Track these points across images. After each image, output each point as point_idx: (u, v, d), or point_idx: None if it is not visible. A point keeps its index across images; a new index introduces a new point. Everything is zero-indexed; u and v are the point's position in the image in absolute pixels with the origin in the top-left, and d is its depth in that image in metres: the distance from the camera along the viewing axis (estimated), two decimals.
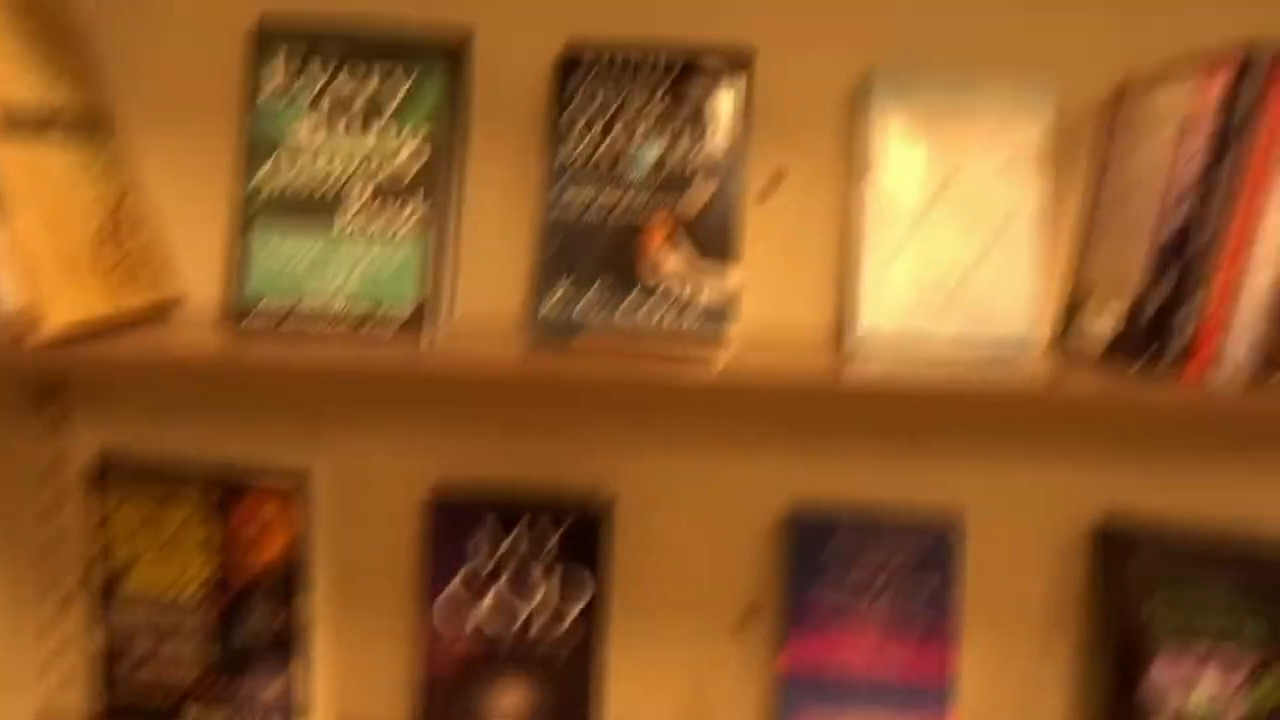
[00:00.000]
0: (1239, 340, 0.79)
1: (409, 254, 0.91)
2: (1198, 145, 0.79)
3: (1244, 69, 0.77)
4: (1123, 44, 0.95)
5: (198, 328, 0.92)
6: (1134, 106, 0.91)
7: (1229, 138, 0.78)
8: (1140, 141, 0.88)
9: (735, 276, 0.89)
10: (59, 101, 0.89)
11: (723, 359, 0.83)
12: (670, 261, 0.89)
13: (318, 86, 0.93)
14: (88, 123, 0.93)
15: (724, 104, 0.91)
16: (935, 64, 0.96)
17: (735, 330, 0.88)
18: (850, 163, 0.98)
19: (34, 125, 0.84)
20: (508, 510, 1.01)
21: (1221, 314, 0.79)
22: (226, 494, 1.01)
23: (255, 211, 0.91)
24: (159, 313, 0.96)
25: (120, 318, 0.89)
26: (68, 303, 0.82)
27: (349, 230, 0.91)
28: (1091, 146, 0.97)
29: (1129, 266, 0.86)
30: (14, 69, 0.84)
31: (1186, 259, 0.80)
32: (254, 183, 0.92)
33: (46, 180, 0.84)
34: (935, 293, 0.92)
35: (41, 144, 0.85)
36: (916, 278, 0.92)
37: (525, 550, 1.01)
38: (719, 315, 0.88)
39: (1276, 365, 0.79)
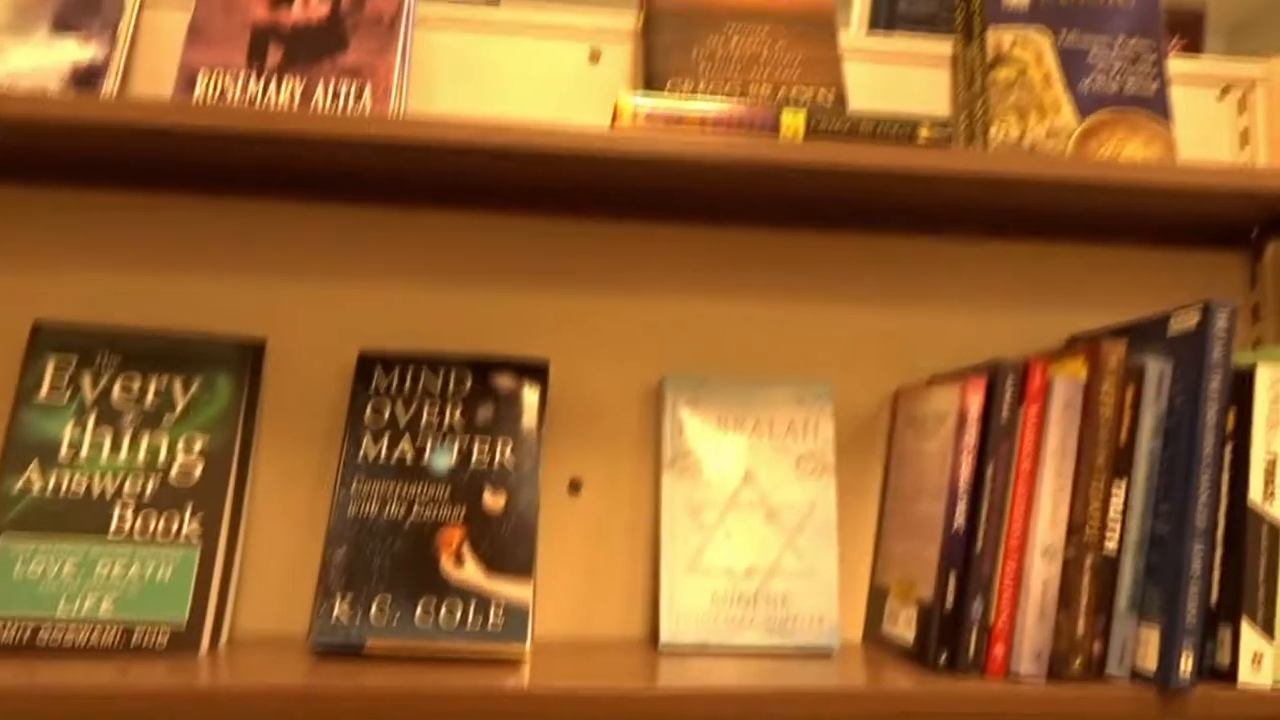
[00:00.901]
0: (1028, 639, 0.80)
1: (180, 569, 0.83)
2: (967, 449, 0.83)
3: (994, 382, 0.83)
4: (896, 356, 1.03)
5: None
6: (909, 412, 0.97)
7: (992, 445, 0.82)
8: (919, 444, 0.93)
9: (528, 587, 0.85)
10: None
11: (522, 671, 0.78)
12: (464, 569, 0.85)
13: (91, 393, 0.88)
14: None
15: (519, 412, 0.92)
16: (722, 372, 1.01)
17: (532, 642, 0.83)
18: (647, 467, 0.99)
19: None
20: None
21: (1008, 614, 0.81)
22: None
23: (5, 524, 0.83)
24: None
25: None
26: None
27: (115, 541, 0.83)
28: (874, 449, 1.01)
29: (920, 567, 0.87)
30: None
31: (969, 561, 0.82)
32: (13, 488, 0.84)
33: None
34: (736, 599, 0.90)
35: None
36: (716, 584, 0.91)
37: None
38: (516, 626, 0.83)
39: (1068, 661, 0.80)
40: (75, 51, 0.90)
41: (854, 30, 1.19)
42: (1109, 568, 0.81)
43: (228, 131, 0.80)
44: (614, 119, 0.86)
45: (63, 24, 0.91)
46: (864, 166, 0.81)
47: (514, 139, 0.80)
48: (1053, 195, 0.91)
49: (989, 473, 0.82)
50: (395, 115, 0.81)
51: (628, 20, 1.04)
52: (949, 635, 0.82)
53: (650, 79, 0.96)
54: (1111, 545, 0.81)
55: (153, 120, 0.79)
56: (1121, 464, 0.81)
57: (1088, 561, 0.80)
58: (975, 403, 0.84)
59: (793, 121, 0.84)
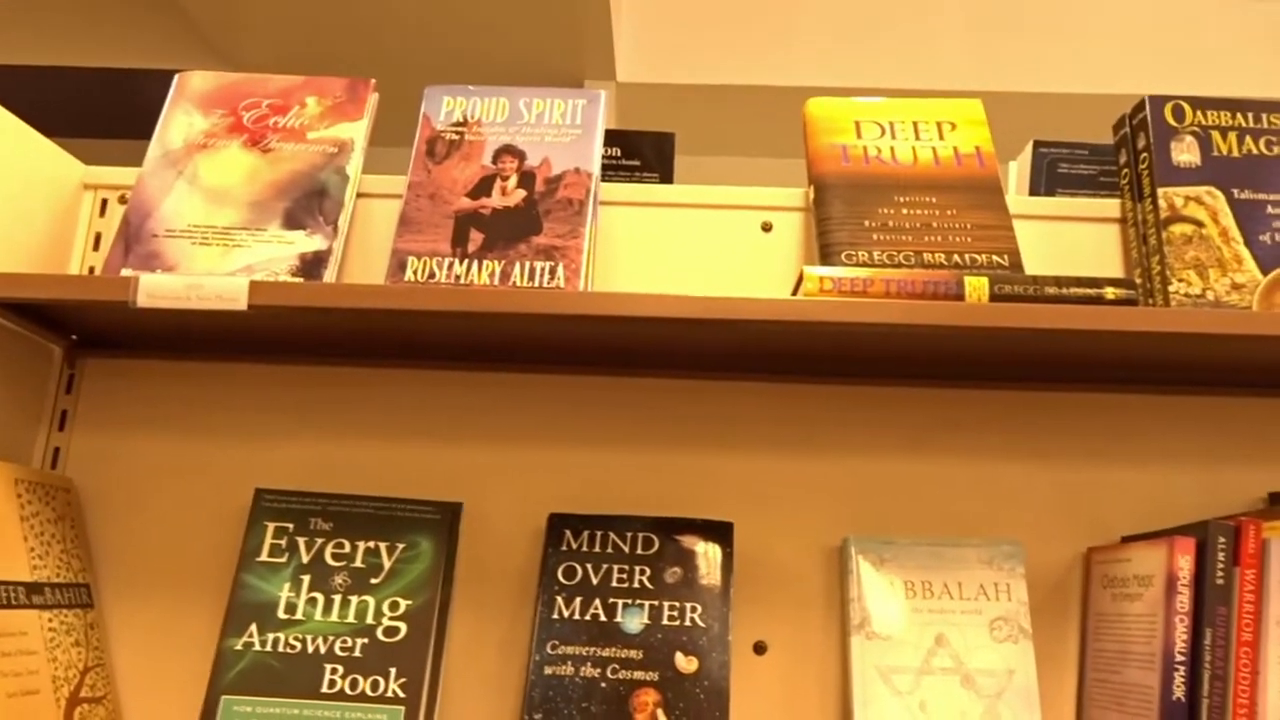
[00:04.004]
0: None
1: None
2: (1180, 614, 0.80)
3: (1204, 543, 0.80)
4: (1086, 515, 1.00)
5: None
6: (1105, 573, 0.94)
7: (1208, 610, 0.79)
8: (1119, 607, 0.90)
9: None
10: (44, 574, 0.88)
11: None
12: None
13: (306, 556, 0.93)
14: (70, 594, 0.92)
15: (706, 573, 0.93)
16: (907, 533, 1.00)
17: None
18: (833, 629, 0.98)
19: (17, 595, 0.83)
20: None
21: None
22: None
23: (226, 683, 0.88)
24: None
25: None
26: None
27: (326, 700, 0.87)
28: (1066, 612, 0.98)
29: None
30: (5, 548, 0.85)
31: None
32: (228, 652, 0.89)
33: (16, 649, 0.81)
34: None
35: (19, 612, 0.83)
36: None
37: None
38: None
39: None
40: (303, 243, 1.00)
41: (1013, 194, 1.22)
42: None
43: (442, 311, 0.87)
44: (797, 287, 0.89)
45: (292, 220, 1.01)
46: (1055, 328, 0.82)
47: (708, 310, 0.85)
48: (1243, 350, 0.89)
49: (1207, 640, 0.79)
50: (592, 291, 0.86)
51: (797, 194, 1.10)
52: None
53: (825, 250, 1.00)
54: None
55: (375, 303, 0.86)
56: None
57: None
58: (1186, 565, 0.81)
59: (977, 286, 0.86)
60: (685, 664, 0.88)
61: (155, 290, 0.85)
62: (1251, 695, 0.77)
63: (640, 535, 0.95)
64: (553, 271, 0.98)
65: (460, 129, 1.06)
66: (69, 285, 0.86)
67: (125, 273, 0.96)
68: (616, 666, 0.88)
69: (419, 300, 0.87)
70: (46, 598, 0.88)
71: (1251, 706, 0.77)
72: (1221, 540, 0.80)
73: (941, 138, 1.07)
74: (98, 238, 1.08)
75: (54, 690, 0.84)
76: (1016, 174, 1.23)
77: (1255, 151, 1.03)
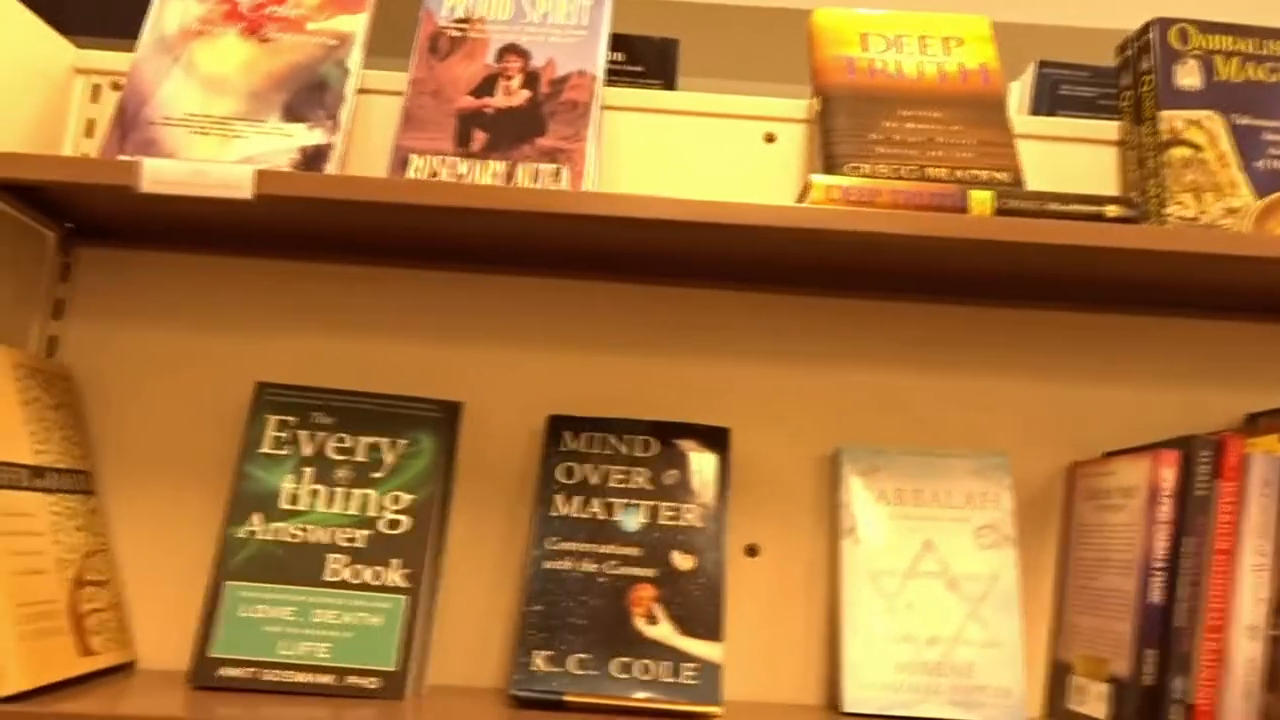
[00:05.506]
0: (1233, 718, 0.79)
1: (388, 617, 0.88)
2: (1161, 523, 0.83)
3: (1188, 457, 0.83)
4: (1071, 431, 1.03)
5: (160, 689, 0.86)
6: (1089, 485, 0.97)
7: (1189, 520, 0.82)
8: (1102, 517, 0.93)
9: (720, 647, 0.87)
10: (50, 459, 0.89)
11: None
12: (657, 627, 0.87)
13: (308, 449, 0.94)
14: (71, 479, 0.92)
15: (703, 477, 0.95)
16: (897, 444, 1.02)
17: (723, 705, 0.85)
18: (823, 535, 1.01)
19: (21, 478, 0.83)
20: None
21: (1211, 692, 0.80)
22: None
23: (230, 569, 0.89)
24: (120, 674, 0.90)
25: (81, 677, 0.82)
26: (29, 662, 0.76)
27: (329, 588, 0.89)
28: (1050, 522, 1.01)
29: (1111, 643, 0.86)
30: (8, 430, 0.85)
31: (1168, 637, 0.81)
32: (232, 540, 0.90)
33: (22, 530, 0.82)
34: (919, 668, 0.91)
35: (24, 494, 0.83)
36: (899, 652, 0.91)
37: None
38: (710, 685, 0.85)
39: None
40: (304, 137, 0.98)
41: (1015, 113, 1.22)
42: None
43: (447, 207, 0.86)
44: (803, 195, 0.90)
45: (292, 112, 1.00)
46: (1056, 243, 0.84)
47: (716, 214, 0.85)
48: (1236, 272, 0.91)
49: (1185, 548, 0.82)
50: (598, 192, 0.86)
51: (801, 106, 1.09)
52: (1149, 713, 0.81)
53: (829, 162, 1.00)
54: None
55: (384, 196, 0.86)
56: None
57: None
58: (1169, 477, 0.84)
59: (982, 200, 0.87)
60: (682, 562, 0.90)
61: (159, 175, 0.84)
62: (1224, 599, 0.81)
63: (639, 438, 0.96)
64: (556, 174, 0.98)
65: (463, 25, 1.05)
66: (71, 168, 0.85)
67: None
68: (615, 563, 0.90)
69: (428, 195, 0.87)
70: (49, 481, 0.88)
71: (1224, 610, 0.81)
72: (1204, 454, 0.83)
73: (947, 53, 1.07)
74: (90, 124, 1.05)
75: (58, 571, 0.85)
76: (1019, 94, 1.23)
77: (1256, 78, 1.04)
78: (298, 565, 0.89)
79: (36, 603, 0.81)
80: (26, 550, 0.82)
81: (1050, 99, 1.18)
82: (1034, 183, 1.08)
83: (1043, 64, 1.18)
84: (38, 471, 0.87)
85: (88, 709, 0.77)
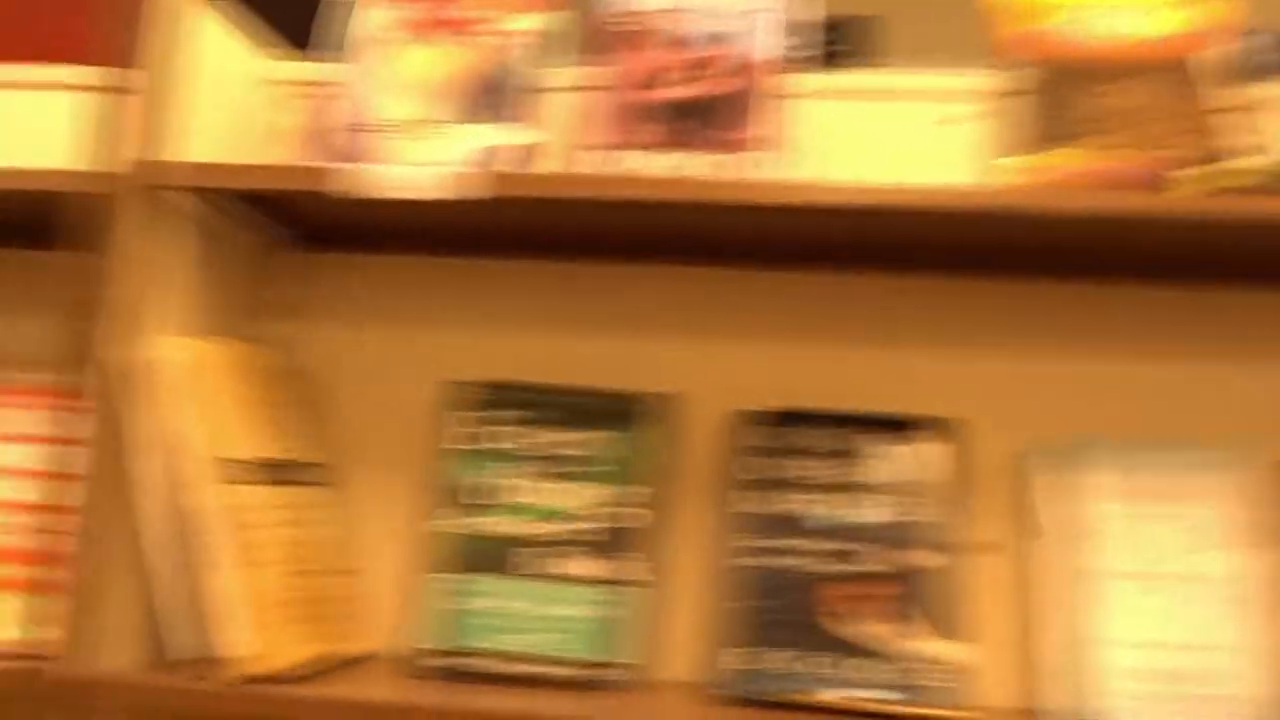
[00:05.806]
0: None
1: (609, 609, 0.90)
2: None
3: None
4: None
5: (394, 676, 0.89)
6: None
7: None
8: None
9: (962, 648, 0.86)
10: (290, 453, 0.93)
11: None
12: (879, 626, 0.87)
13: (525, 442, 0.97)
14: (311, 472, 0.97)
15: (927, 472, 0.94)
16: (1131, 437, 0.99)
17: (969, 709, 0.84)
18: (1056, 533, 0.98)
19: (268, 473, 0.88)
20: None
21: None
22: None
23: (462, 562, 0.92)
24: (356, 661, 0.94)
25: (321, 664, 0.87)
26: (278, 648, 0.80)
27: (548, 581, 0.91)
28: None
29: None
30: (252, 426, 0.89)
31: None
32: (470, 533, 0.93)
33: (271, 523, 0.86)
34: (1166, 675, 0.87)
35: (271, 490, 0.88)
36: (1145, 657, 0.88)
37: None
38: (954, 688, 0.85)
39: None
40: (506, 137, 1.01)
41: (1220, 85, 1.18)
42: None
43: (646, 201, 0.87)
44: (1022, 177, 0.88)
45: (490, 114, 1.02)
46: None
47: (914, 200, 0.84)
48: None
49: None
50: (806, 181, 0.86)
51: (983, 81, 1.07)
52: None
53: (1022, 139, 0.98)
54: None
55: (629, 194, 0.87)
56: None
57: None
58: None
59: (1187, 177, 0.84)
60: (913, 560, 0.89)
61: (387, 181, 0.86)
62: None
63: (852, 430, 0.95)
64: (756, 163, 0.98)
65: (640, 17, 1.05)
66: (298, 176, 0.88)
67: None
68: (830, 561, 0.90)
69: (657, 190, 0.87)
70: (291, 474, 0.92)
71: None
72: None
73: (1148, 19, 1.03)
74: (288, 132, 1.09)
75: (298, 562, 0.89)
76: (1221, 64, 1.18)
77: None
78: (505, 559, 0.92)
79: (281, 590, 0.85)
80: (268, 542, 0.86)
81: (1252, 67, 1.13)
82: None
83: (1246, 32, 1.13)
84: (280, 465, 0.91)
85: (342, 694, 0.81)
